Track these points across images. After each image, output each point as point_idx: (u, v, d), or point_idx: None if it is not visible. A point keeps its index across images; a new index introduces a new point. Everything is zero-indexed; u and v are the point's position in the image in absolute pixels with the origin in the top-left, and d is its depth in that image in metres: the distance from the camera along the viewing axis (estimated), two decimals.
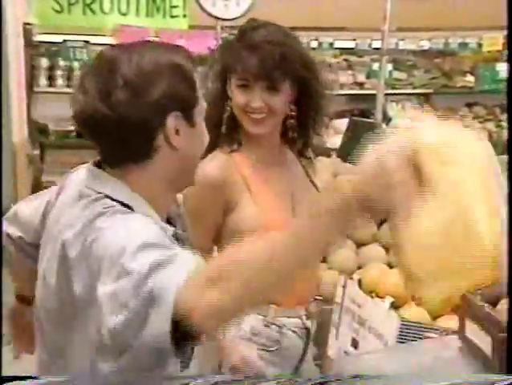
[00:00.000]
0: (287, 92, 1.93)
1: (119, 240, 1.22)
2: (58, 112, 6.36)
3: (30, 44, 6.01)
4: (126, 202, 1.34)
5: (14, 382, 1.36)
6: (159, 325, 1.13)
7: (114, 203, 1.34)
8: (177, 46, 1.42)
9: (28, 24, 5.92)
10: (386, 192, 1.02)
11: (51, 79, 6.23)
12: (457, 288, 1.11)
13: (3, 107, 5.61)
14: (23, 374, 1.35)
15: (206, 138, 1.45)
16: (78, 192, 1.40)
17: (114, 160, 1.37)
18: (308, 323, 2.03)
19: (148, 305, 1.13)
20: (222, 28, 5.78)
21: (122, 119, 1.29)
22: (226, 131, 1.96)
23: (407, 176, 1.02)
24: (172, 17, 6.01)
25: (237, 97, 1.92)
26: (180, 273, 1.12)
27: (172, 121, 1.33)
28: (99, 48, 6.22)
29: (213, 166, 1.90)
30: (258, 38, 1.92)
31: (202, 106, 1.41)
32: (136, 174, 1.37)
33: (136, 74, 1.30)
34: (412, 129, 1.06)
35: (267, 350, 2.00)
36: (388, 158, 1.03)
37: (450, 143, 1.05)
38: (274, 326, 2.00)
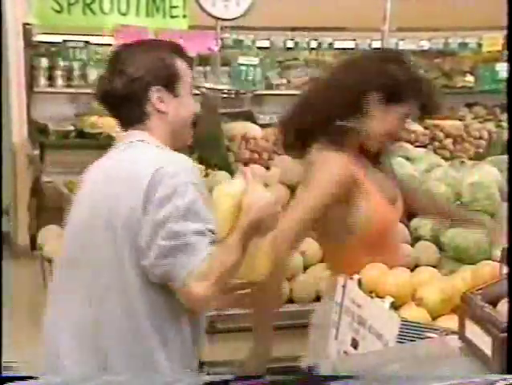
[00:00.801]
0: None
1: (175, 180, 1.81)
2: (58, 112, 6.37)
3: (29, 44, 6.01)
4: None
5: (14, 382, 1.36)
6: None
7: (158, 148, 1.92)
8: (165, 42, 2.09)
9: (28, 24, 5.91)
10: (263, 222, 1.82)
11: (51, 79, 6.23)
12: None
13: (3, 108, 5.61)
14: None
15: (192, 106, 2.03)
16: (124, 147, 1.94)
17: (127, 123, 1.96)
18: None
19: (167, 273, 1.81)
20: (222, 28, 5.78)
21: (120, 95, 1.91)
22: None
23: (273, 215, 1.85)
24: (172, 17, 6.01)
25: None
26: (194, 264, 1.77)
27: (154, 92, 1.92)
28: (99, 48, 6.25)
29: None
30: None
31: (186, 82, 1.98)
32: (145, 132, 1.93)
33: (127, 63, 1.92)
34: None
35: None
36: (261, 204, 1.83)
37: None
38: None
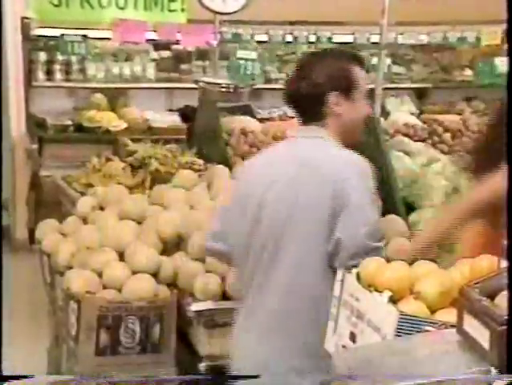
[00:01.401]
0: None
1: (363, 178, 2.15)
2: (57, 106, 6.36)
3: (28, 38, 6.00)
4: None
5: (14, 381, 1.36)
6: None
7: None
8: (347, 51, 2.42)
9: (26, 18, 5.91)
10: None
11: (49, 73, 6.22)
12: None
13: (2, 102, 5.60)
14: None
15: (365, 109, 2.29)
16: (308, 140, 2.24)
17: (306, 120, 2.26)
18: None
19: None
20: (221, 22, 5.76)
21: (303, 96, 2.22)
22: None
23: None
24: (170, 11, 6.00)
25: None
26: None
27: (332, 97, 2.20)
28: (98, 42, 6.23)
29: None
30: None
31: (362, 88, 2.24)
32: (322, 128, 2.22)
33: (311, 69, 2.23)
34: None
35: None
36: None
37: None
38: None
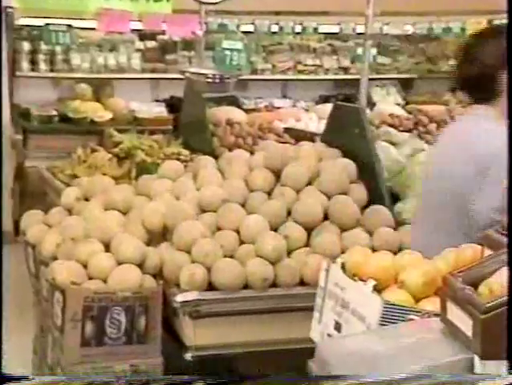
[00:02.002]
0: None
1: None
2: (41, 97, 6.32)
3: (11, 28, 5.94)
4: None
5: (13, 382, 1.35)
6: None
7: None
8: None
9: (10, 7, 5.85)
10: None
11: (34, 63, 6.17)
12: None
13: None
14: None
15: None
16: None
17: (476, 100, 2.36)
18: None
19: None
20: (206, 12, 5.73)
21: (475, 78, 2.31)
22: None
23: None
24: (155, 1, 5.97)
25: None
26: None
27: (504, 75, 2.20)
28: (82, 32, 6.18)
29: None
30: None
31: None
32: (489, 107, 2.32)
33: (480, 53, 2.31)
34: None
35: None
36: None
37: None
38: None
